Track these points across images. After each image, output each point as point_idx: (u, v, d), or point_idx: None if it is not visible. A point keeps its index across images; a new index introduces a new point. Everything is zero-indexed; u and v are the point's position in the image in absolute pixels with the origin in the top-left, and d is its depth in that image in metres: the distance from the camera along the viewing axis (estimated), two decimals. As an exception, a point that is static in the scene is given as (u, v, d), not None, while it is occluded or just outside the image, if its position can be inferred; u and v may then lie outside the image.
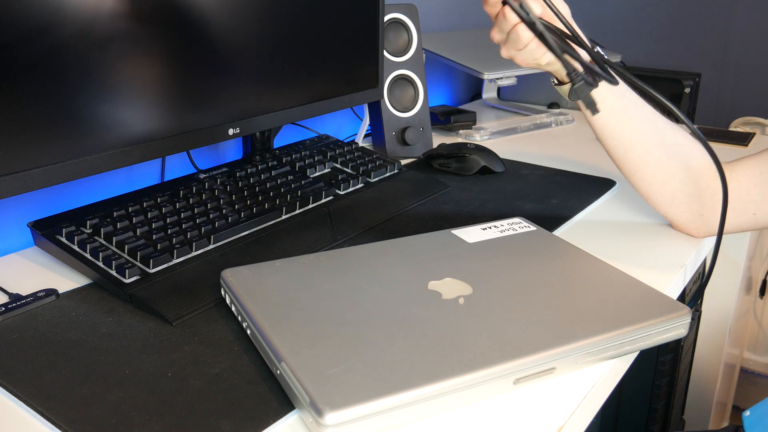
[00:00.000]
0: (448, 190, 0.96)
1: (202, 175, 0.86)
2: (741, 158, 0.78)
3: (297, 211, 0.82)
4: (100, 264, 0.67)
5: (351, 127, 1.35)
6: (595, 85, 0.68)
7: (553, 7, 0.67)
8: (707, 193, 0.77)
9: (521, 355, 0.51)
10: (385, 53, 1.10)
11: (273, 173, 0.90)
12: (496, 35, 0.74)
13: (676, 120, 0.69)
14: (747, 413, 0.88)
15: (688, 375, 1.39)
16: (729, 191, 0.75)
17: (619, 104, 0.77)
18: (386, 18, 1.10)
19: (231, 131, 0.85)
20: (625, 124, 0.77)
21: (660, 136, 0.77)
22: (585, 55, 0.70)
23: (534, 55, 0.73)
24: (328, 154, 0.98)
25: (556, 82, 0.80)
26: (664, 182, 0.79)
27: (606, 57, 0.68)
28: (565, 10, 0.72)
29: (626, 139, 0.78)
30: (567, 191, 0.96)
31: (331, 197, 0.87)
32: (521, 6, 0.65)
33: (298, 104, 0.94)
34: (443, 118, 1.31)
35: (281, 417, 0.49)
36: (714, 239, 0.86)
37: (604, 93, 0.76)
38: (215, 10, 0.79)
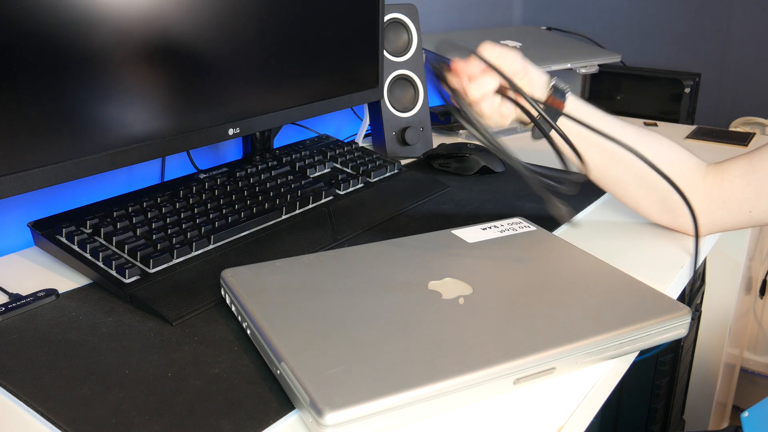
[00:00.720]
0: (448, 190, 0.96)
1: (202, 175, 0.86)
2: (730, 158, 0.77)
3: (297, 211, 0.82)
4: (100, 264, 0.67)
5: (351, 127, 1.35)
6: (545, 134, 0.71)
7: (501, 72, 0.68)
8: (696, 197, 0.76)
9: (521, 355, 0.51)
10: (385, 53, 1.10)
11: (273, 173, 0.90)
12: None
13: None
14: (746, 414, 0.88)
15: (688, 375, 1.39)
16: (722, 191, 0.76)
17: (585, 131, 0.75)
18: (386, 18, 1.10)
19: (231, 131, 0.85)
20: (596, 148, 0.77)
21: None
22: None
23: (495, 122, 0.73)
24: (328, 154, 0.98)
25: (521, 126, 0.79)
26: (649, 194, 0.79)
27: (545, 108, 0.72)
28: (515, 60, 0.72)
29: (599, 161, 0.78)
30: (567, 191, 0.96)
31: (331, 197, 0.87)
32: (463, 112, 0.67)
33: (298, 104, 0.94)
34: (443, 118, 1.31)
35: (281, 417, 0.49)
36: (714, 237, 0.86)
37: (569, 125, 0.74)
38: (215, 10, 0.79)
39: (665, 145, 0.78)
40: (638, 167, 0.76)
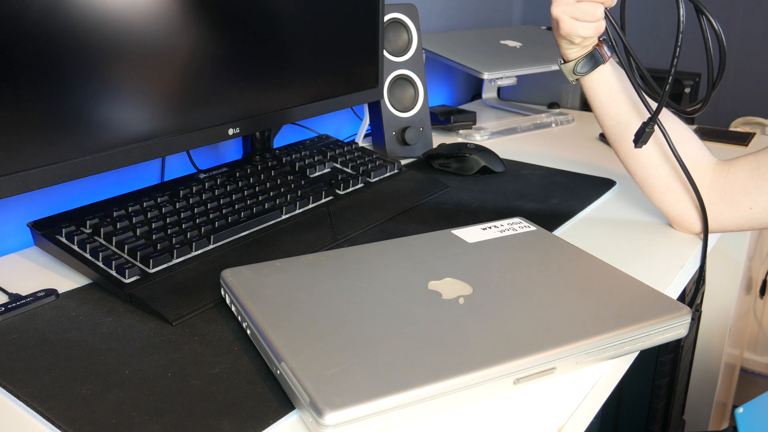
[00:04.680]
0: (448, 190, 0.96)
1: (202, 175, 0.86)
2: (740, 156, 0.79)
3: (297, 211, 0.82)
4: (100, 264, 0.67)
5: (351, 127, 1.35)
6: (602, 62, 0.78)
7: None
8: (702, 184, 0.78)
9: (521, 355, 0.51)
10: (385, 53, 1.10)
11: (273, 173, 0.90)
12: None
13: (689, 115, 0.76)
14: (740, 410, 0.88)
15: (688, 375, 1.39)
16: (726, 183, 0.77)
17: (619, 84, 0.80)
18: (386, 18, 1.10)
19: (231, 131, 0.85)
20: (622, 103, 0.80)
21: None
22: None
23: (584, 30, 0.75)
24: (328, 154, 0.98)
25: (562, 62, 0.82)
26: (659, 166, 0.80)
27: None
28: None
29: (623, 119, 0.80)
30: (567, 191, 0.96)
31: (331, 197, 0.87)
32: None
33: (298, 104, 0.94)
34: (443, 118, 1.31)
35: (281, 417, 0.49)
36: (714, 237, 0.86)
37: (607, 72, 0.79)
38: (214, 10, 0.79)
39: (683, 129, 0.80)
40: (655, 143, 0.79)
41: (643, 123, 0.74)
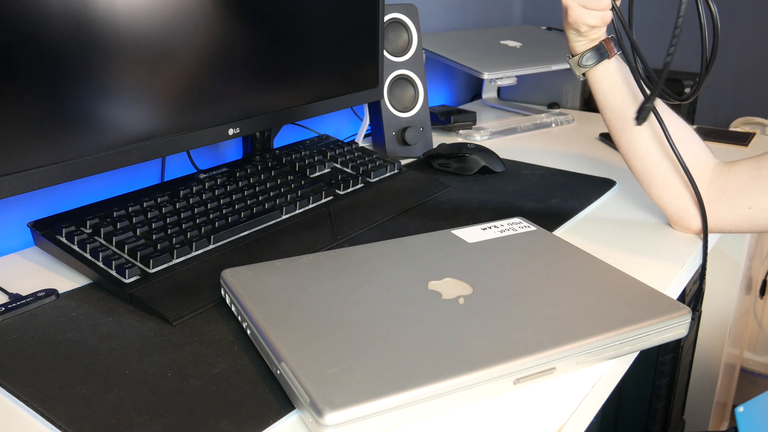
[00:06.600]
0: (448, 190, 0.96)
1: (202, 175, 0.86)
2: (742, 159, 0.79)
3: (297, 211, 0.82)
4: (100, 264, 0.67)
5: (351, 127, 1.35)
6: (606, 56, 0.80)
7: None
8: (702, 183, 0.78)
9: (521, 355, 0.51)
10: (385, 53, 1.10)
11: (273, 173, 0.90)
12: None
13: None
14: (741, 409, 0.88)
15: (688, 375, 1.39)
16: (725, 182, 0.78)
17: (622, 80, 0.81)
18: (386, 18, 1.10)
19: (231, 131, 0.85)
20: (625, 97, 0.81)
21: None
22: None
23: (591, 19, 0.77)
24: (328, 154, 0.98)
25: (570, 56, 0.83)
26: (658, 161, 0.80)
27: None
28: None
29: (624, 112, 0.80)
30: (567, 191, 0.96)
31: (331, 197, 0.87)
32: None
33: (298, 104, 0.94)
34: (443, 118, 1.31)
35: (281, 417, 0.49)
36: (714, 237, 0.86)
37: (612, 67, 0.80)
38: (214, 10, 0.79)
39: (685, 128, 0.81)
40: (655, 132, 0.80)
41: (644, 98, 0.76)
